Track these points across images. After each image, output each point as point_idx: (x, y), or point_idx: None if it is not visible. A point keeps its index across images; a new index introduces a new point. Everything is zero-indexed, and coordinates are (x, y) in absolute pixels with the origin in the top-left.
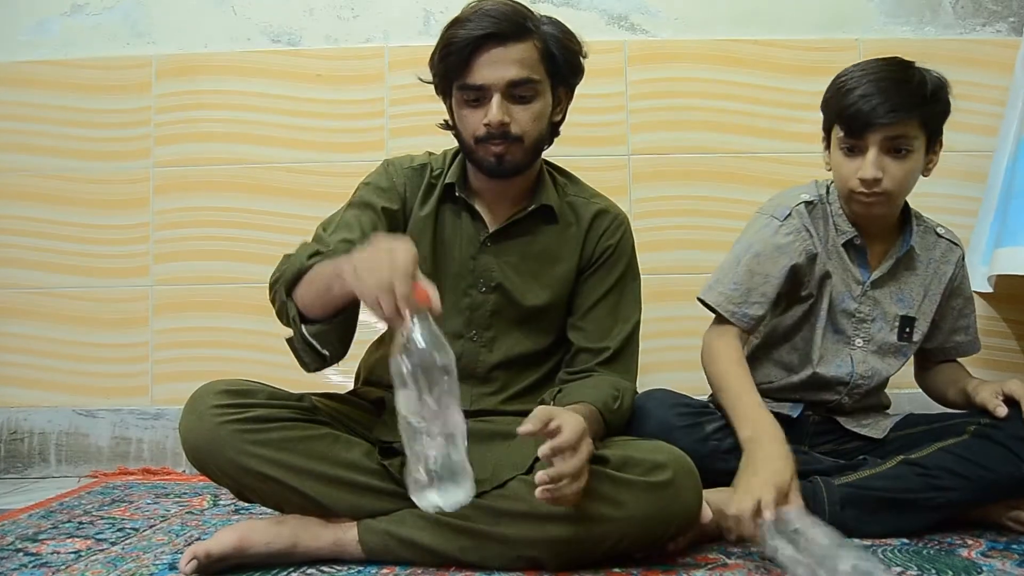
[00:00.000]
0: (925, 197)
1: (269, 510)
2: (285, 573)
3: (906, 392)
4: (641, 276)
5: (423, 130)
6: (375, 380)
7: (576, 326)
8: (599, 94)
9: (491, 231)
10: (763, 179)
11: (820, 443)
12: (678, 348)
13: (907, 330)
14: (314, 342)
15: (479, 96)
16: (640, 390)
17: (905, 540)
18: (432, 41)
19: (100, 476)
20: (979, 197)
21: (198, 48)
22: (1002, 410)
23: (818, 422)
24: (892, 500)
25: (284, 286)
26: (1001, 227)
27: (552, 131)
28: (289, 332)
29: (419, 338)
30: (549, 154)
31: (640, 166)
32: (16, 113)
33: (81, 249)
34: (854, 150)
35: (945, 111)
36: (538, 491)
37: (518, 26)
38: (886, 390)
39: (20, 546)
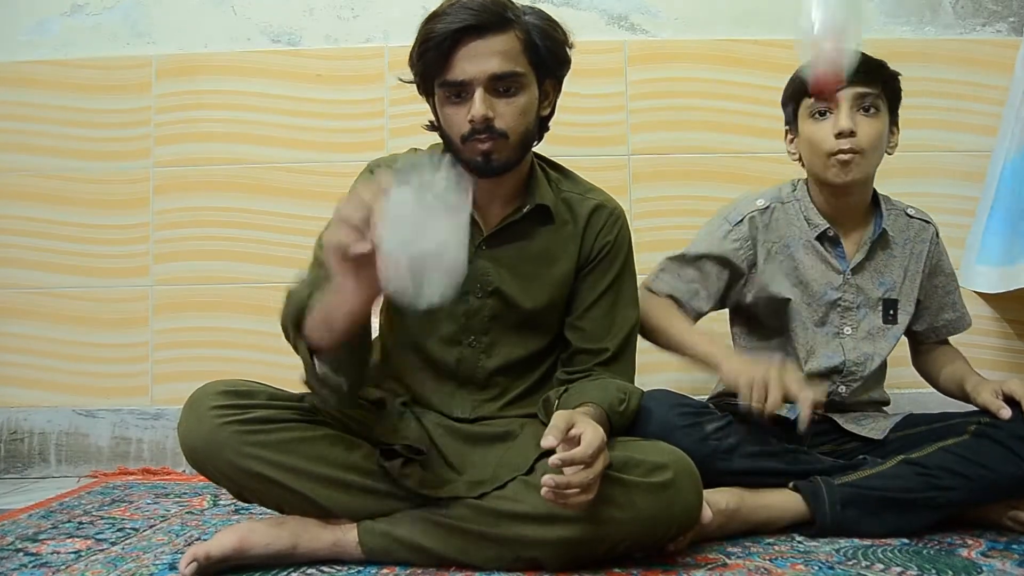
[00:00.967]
0: (925, 197)
1: (269, 511)
2: (285, 574)
3: (906, 392)
4: (639, 276)
5: (423, 130)
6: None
7: (574, 326)
8: (599, 94)
9: (485, 234)
10: (763, 179)
11: (820, 443)
12: None
13: (891, 312)
14: (329, 372)
15: (461, 92)
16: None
17: (905, 540)
18: None
19: (100, 476)
20: (978, 197)
21: (198, 48)
22: (1006, 412)
23: (817, 422)
24: (893, 500)
25: (291, 325)
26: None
27: (541, 126)
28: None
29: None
30: (549, 154)
31: (640, 166)
32: (16, 113)
33: (81, 249)
34: (825, 113)
35: (899, 94)
36: (543, 490)
37: (498, 16)
38: (885, 388)
39: (20, 546)
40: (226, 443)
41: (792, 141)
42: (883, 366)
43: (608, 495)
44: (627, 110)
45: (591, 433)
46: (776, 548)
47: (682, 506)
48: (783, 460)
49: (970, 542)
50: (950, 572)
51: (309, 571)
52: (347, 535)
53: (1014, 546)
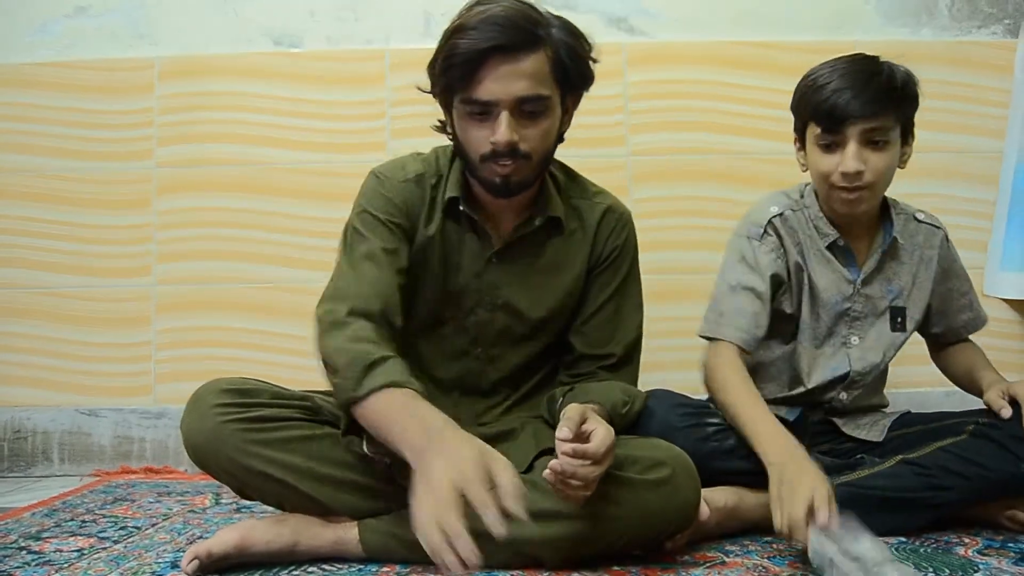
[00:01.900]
0: (938, 199)
1: (270, 509)
2: (286, 572)
3: (906, 392)
4: (641, 276)
5: (424, 131)
6: None
7: (578, 330)
8: (599, 95)
9: (496, 247)
10: (763, 180)
11: (818, 443)
12: (678, 348)
13: (899, 319)
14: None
15: (485, 111)
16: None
17: (903, 539)
18: (433, 43)
19: (103, 475)
20: (990, 199)
21: (200, 50)
22: (1006, 412)
23: (816, 423)
24: (891, 499)
25: (344, 408)
26: None
27: (558, 141)
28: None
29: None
30: None
31: (640, 167)
32: (20, 114)
33: (84, 249)
34: (832, 146)
35: (915, 103)
36: (546, 472)
37: (528, 35)
38: (885, 391)
39: (23, 544)
40: (228, 440)
41: (800, 150)
42: (884, 370)
43: (607, 492)
44: (627, 111)
45: (603, 432)
46: (774, 546)
47: (680, 503)
48: None
49: (967, 540)
50: (947, 570)
51: (310, 569)
52: (348, 533)
53: (1010, 544)
